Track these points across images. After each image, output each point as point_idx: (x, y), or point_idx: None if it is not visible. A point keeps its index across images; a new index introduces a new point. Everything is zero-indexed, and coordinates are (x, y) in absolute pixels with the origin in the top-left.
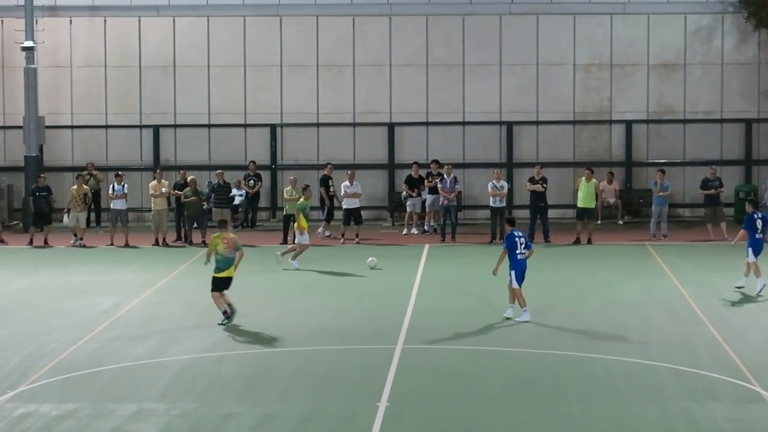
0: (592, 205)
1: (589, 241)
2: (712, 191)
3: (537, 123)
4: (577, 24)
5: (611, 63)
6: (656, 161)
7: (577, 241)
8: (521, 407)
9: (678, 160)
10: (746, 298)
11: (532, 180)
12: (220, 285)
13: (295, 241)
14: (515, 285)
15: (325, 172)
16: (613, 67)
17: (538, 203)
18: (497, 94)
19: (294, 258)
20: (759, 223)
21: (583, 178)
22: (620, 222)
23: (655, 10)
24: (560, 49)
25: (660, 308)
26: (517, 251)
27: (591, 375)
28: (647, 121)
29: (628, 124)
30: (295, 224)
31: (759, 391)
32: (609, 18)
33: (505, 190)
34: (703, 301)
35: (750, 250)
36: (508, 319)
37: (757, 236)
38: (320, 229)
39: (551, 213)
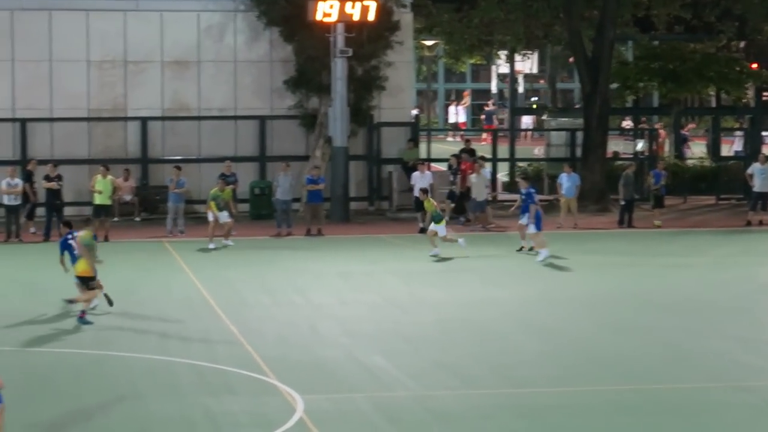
0: (108, 202)
1: (106, 239)
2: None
3: (51, 120)
4: (91, 20)
5: (125, 60)
6: (172, 158)
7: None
8: (39, 408)
9: (193, 157)
10: (262, 295)
11: (47, 178)
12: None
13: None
14: None
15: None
16: (127, 64)
17: (54, 201)
18: (10, 91)
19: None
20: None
21: (99, 175)
22: (137, 219)
23: (168, 7)
24: (74, 46)
25: (178, 304)
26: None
27: (110, 373)
28: (162, 118)
29: (144, 121)
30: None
31: (275, 383)
32: (122, 15)
33: (20, 187)
34: (219, 297)
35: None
36: None
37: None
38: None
39: (68, 210)
